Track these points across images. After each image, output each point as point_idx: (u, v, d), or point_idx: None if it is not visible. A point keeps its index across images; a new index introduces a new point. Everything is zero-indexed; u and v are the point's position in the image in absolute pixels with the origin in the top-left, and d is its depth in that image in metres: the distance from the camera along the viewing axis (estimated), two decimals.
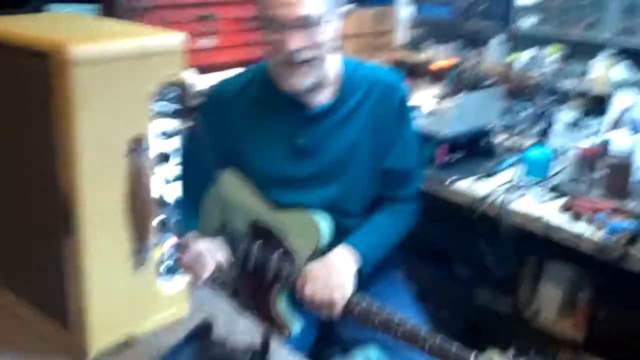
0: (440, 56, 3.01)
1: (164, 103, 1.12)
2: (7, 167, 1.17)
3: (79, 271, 1.07)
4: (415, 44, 3.16)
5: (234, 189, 1.65)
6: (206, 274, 1.48)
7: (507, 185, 1.97)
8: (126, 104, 1.06)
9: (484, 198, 1.94)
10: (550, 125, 2.22)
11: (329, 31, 1.53)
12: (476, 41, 2.96)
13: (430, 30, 3.16)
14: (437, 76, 3.08)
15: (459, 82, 2.84)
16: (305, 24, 1.48)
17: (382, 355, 1.04)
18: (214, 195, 1.70)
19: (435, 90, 2.89)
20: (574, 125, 2.18)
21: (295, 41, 1.48)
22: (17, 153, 1.14)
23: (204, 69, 2.45)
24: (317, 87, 1.60)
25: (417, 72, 3.25)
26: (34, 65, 1.02)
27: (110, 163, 1.06)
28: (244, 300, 1.39)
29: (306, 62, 1.52)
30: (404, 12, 3.17)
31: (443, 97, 2.84)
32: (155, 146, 1.12)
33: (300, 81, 1.54)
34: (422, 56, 3.11)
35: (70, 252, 1.07)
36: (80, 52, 0.98)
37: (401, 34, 3.27)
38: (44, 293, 1.17)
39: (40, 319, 1.19)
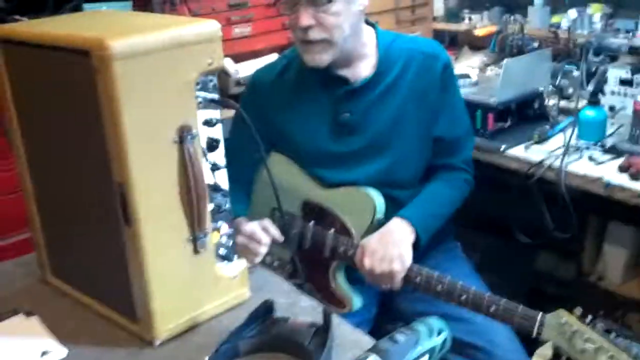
0: (479, 24, 2.96)
1: (207, 91, 1.13)
2: (64, 165, 1.20)
3: (140, 260, 1.08)
4: (453, 14, 3.11)
5: (282, 171, 1.66)
6: (263, 249, 1.50)
7: (562, 149, 1.92)
8: (170, 94, 1.07)
9: (540, 162, 1.89)
10: (602, 84, 2.14)
11: (345, 11, 1.51)
12: (515, 6, 2.89)
13: None
14: (479, 44, 3.02)
15: (503, 48, 2.78)
16: (315, 1, 1.49)
17: (444, 324, 1.03)
18: (263, 179, 1.71)
19: (479, 58, 2.84)
20: (627, 82, 2.10)
21: (304, 19, 1.50)
22: (69, 149, 1.16)
23: (239, 57, 2.47)
24: (353, 61, 1.59)
25: (458, 42, 3.20)
26: (77, 63, 1.04)
27: (161, 152, 1.07)
28: (302, 280, 1.39)
29: (317, 41, 1.52)
30: None
31: (487, 64, 2.79)
32: (203, 133, 1.13)
33: (317, 58, 1.55)
34: (461, 26, 3.05)
35: (130, 242, 1.09)
36: (120, 46, 0.99)
37: (438, 5, 3.21)
38: (109, 287, 1.20)
39: (107, 311, 1.22)
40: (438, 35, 3.17)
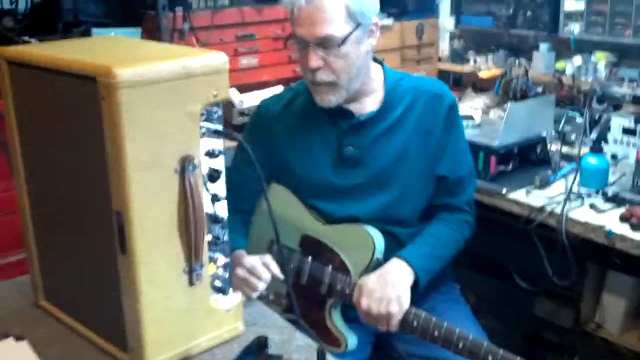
0: (484, 66, 2.99)
1: (211, 122, 1.13)
2: (63, 190, 1.19)
3: (135, 289, 1.07)
4: (458, 56, 3.15)
5: (283, 204, 1.65)
6: (262, 285, 1.49)
7: (564, 195, 1.92)
8: (174, 124, 1.06)
9: (542, 208, 1.89)
10: (605, 132, 2.15)
11: (354, 53, 1.53)
12: (521, 50, 2.92)
13: (474, 40, 3.14)
14: (482, 87, 3.05)
15: (507, 92, 2.80)
16: (325, 44, 1.50)
17: None
18: (262, 211, 1.70)
19: (482, 100, 2.85)
20: (630, 132, 2.11)
21: (313, 61, 1.51)
22: (69, 174, 1.16)
23: (244, 88, 2.49)
24: (359, 96, 1.61)
25: (462, 83, 3.23)
26: (82, 89, 1.04)
27: (162, 182, 1.06)
28: (298, 316, 1.37)
29: (325, 83, 1.54)
30: (447, 23, 3.15)
31: (491, 107, 2.80)
32: (205, 164, 1.13)
33: (325, 99, 1.57)
34: (466, 67, 3.09)
35: (125, 271, 1.08)
36: (127, 75, 0.99)
37: (444, 46, 3.25)
38: (102, 314, 1.18)
39: (98, 339, 1.20)
40: (443, 75, 3.21)
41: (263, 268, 1.51)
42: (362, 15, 1.52)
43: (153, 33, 2.30)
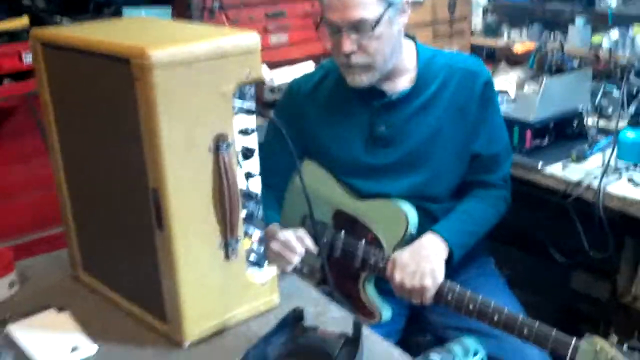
0: (518, 40, 2.94)
1: (243, 100, 1.15)
2: (99, 167, 1.23)
3: (172, 264, 1.10)
4: (491, 30, 3.10)
5: (316, 180, 1.67)
6: (296, 258, 1.51)
7: (601, 169, 1.89)
8: (208, 103, 1.09)
9: (579, 182, 1.87)
10: None
11: (387, 33, 1.52)
12: (555, 24, 2.87)
13: (507, 14, 3.09)
14: (516, 61, 3.00)
15: (541, 66, 2.76)
16: (359, 28, 1.49)
17: (480, 345, 1.00)
18: (295, 187, 1.72)
19: (516, 74, 2.81)
20: None
21: (347, 45, 1.50)
22: (107, 154, 1.19)
23: (274, 65, 2.49)
24: (391, 74, 1.60)
25: (495, 58, 3.18)
26: (117, 70, 1.06)
27: (197, 160, 1.09)
28: (332, 289, 1.40)
29: (359, 66, 1.53)
30: None
31: (525, 81, 2.76)
32: (239, 142, 1.15)
33: (358, 79, 1.56)
34: (499, 41, 3.04)
35: (162, 247, 1.11)
36: (160, 56, 1.01)
37: (477, 20, 3.21)
38: (140, 287, 1.22)
39: (137, 310, 1.24)
40: (476, 50, 3.17)
41: (297, 241, 1.53)
42: None
43: (183, 11, 2.32)
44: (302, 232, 1.56)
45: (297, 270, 1.58)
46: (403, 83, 1.62)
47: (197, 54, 1.06)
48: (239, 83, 1.12)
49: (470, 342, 0.84)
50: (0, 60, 2.12)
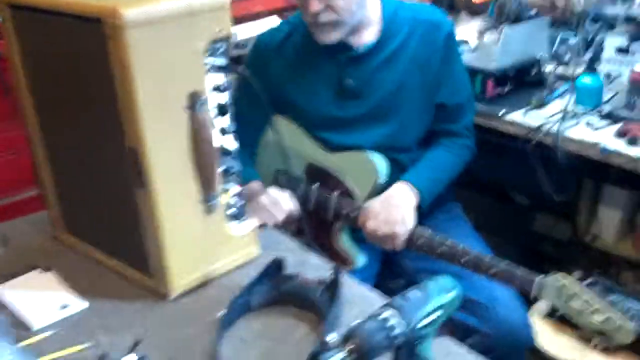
0: None
1: (214, 58, 1.16)
2: (75, 128, 1.24)
3: (154, 220, 1.14)
4: None
5: (287, 135, 1.69)
6: (281, 217, 1.56)
7: (560, 114, 1.96)
8: (180, 61, 1.10)
9: (539, 127, 1.94)
10: (599, 52, 2.17)
11: None
12: None
13: None
14: (476, 11, 3.03)
15: (501, 14, 2.80)
16: None
17: (454, 282, 1.05)
18: (267, 142, 1.75)
19: (476, 24, 2.85)
20: (624, 50, 2.13)
21: (314, 5, 1.52)
22: (82, 115, 1.21)
23: (238, 20, 2.47)
24: (356, 30, 1.62)
25: (455, 8, 3.20)
26: (88, 30, 1.07)
27: (173, 117, 1.11)
28: (308, 239, 1.45)
29: (328, 23, 1.56)
30: None
31: (485, 30, 2.81)
32: (212, 99, 1.17)
33: (327, 36, 1.59)
34: None
35: (143, 204, 1.14)
36: (132, 15, 1.02)
37: None
38: (123, 243, 1.25)
39: (121, 266, 1.28)
40: (436, 0, 3.19)
41: (284, 202, 1.59)
42: None
43: None
44: (288, 194, 1.62)
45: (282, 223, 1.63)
46: (368, 36, 1.65)
47: (168, 12, 1.07)
48: (210, 40, 1.13)
49: (446, 280, 0.89)
50: None
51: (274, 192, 1.61)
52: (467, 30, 2.70)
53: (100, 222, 1.30)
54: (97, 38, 1.05)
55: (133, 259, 1.24)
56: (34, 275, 1.28)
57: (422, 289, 0.91)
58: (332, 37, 1.59)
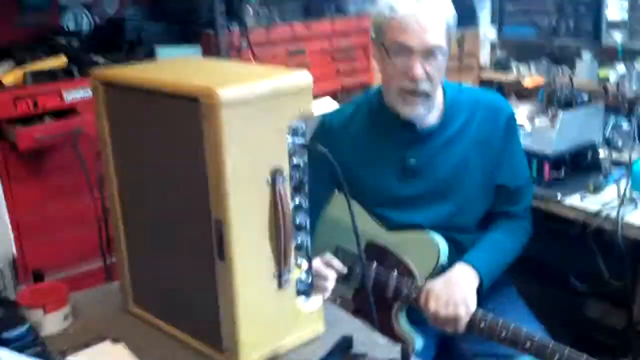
0: (527, 75, 3.03)
1: (296, 136, 1.21)
2: (158, 200, 1.28)
3: (232, 294, 1.15)
4: (500, 64, 3.20)
5: (346, 212, 1.71)
6: (330, 284, 1.57)
7: (617, 199, 1.97)
8: (266, 138, 1.15)
9: (598, 213, 1.94)
10: None
11: (443, 64, 1.60)
12: (563, 59, 2.97)
13: (515, 49, 3.19)
14: (524, 95, 3.09)
15: (550, 99, 2.85)
16: (432, 53, 1.56)
17: None
18: (327, 218, 1.78)
19: (526, 108, 2.90)
20: None
21: (419, 69, 1.56)
22: (167, 188, 1.25)
23: None
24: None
25: (504, 92, 3.27)
26: (183, 109, 1.13)
27: (256, 192, 1.15)
28: (369, 318, 1.44)
29: (423, 93, 1.60)
30: (489, 33, 3.21)
31: (535, 115, 2.85)
32: (291, 176, 1.21)
33: (416, 109, 1.62)
34: (509, 76, 3.14)
35: (222, 276, 1.16)
36: (227, 95, 1.07)
37: (486, 55, 3.31)
38: (195, 317, 1.26)
39: (192, 340, 1.28)
40: (485, 84, 3.26)
41: (326, 268, 1.59)
42: (452, 30, 1.61)
43: (211, 50, 2.41)
44: (328, 257, 1.62)
45: (330, 301, 1.63)
46: (432, 117, 1.69)
47: (258, 92, 1.12)
48: (293, 119, 1.18)
49: None
50: (41, 99, 2.17)
51: (314, 263, 1.59)
52: (517, 114, 2.74)
53: (173, 296, 1.31)
54: (192, 116, 1.10)
55: (204, 333, 1.24)
56: (105, 346, 1.29)
57: None
58: (421, 110, 1.62)
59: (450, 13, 1.60)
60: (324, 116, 1.83)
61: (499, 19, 3.15)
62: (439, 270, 1.62)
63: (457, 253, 1.66)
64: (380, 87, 1.73)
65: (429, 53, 1.56)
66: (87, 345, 1.28)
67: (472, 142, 1.68)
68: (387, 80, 1.65)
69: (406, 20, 1.55)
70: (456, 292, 1.55)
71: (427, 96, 1.61)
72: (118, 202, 1.38)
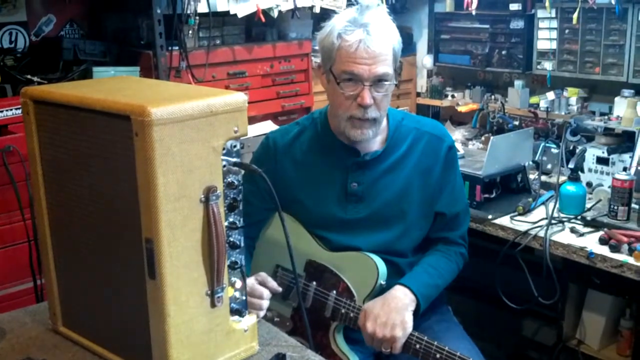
0: (462, 101, 3.14)
1: (230, 156, 1.22)
2: (87, 219, 1.26)
3: (162, 313, 1.13)
4: (436, 91, 3.29)
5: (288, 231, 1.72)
6: (265, 303, 1.54)
7: (545, 220, 2.04)
8: (200, 158, 1.15)
9: (526, 232, 2.01)
10: (581, 162, 2.30)
11: (390, 92, 1.64)
12: (496, 86, 3.09)
13: (450, 77, 3.30)
14: (459, 120, 3.19)
15: (484, 124, 2.96)
16: (382, 81, 1.60)
17: None
18: (267, 237, 1.78)
19: (460, 133, 3.00)
20: (604, 161, 2.26)
21: (368, 97, 1.59)
22: (97, 206, 1.23)
23: None
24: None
25: (439, 117, 3.37)
26: (115, 126, 1.12)
27: (188, 211, 1.14)
28: (305, 336, 1.45)
29: (372, 120, 1.63)
30: (426, 60, 3.30)
31: (469, 139, 2.95)
32: (225, 195, 1.21)
33: (364, 133, 1.64)
34: (444, 102, 3.23)
35: (152, 295, 1.14)
36: (160, 113, 1.07)
37: (422, 82, 3.40)
38: (125, 336, 1.24)
39: (120, 359, 1.26)
40: (421, 109, 3.36)
41: (260, 287, 1.57)
42: (398, 55, 1.64)
43: (150, 71, 2.39)
44: (263, 275, 1.60)
45: (268, 319, 1.63)
46: (375, 144, 1.72)
47: (191, 112, 1.13)
48: (227, 139, 1.19)
49: None
50: None
51: (247, 282, 1.58)
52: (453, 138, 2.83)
53: (103, 316, 1.29)
54: (123, 134, 1.10)
55: (135, 354, 1.22)
56: None
57: None
58: (369, 134, 1.64)
59: (396, 39, 1.64)
60: (268, 135, 1.84)
61: (435, 47, 3.25)
62: (378, 290, 1.64)
63: (395, 275, 1.68)
64: (326, 109, 1.76)
65: (377, 81, 1.59)
66: None
67: (413, 169, 1.72)
68: (335, 106, 1.67)
69: (355, 49, 1.57)
70: (394, 313, 1.57)
71: (374, 122, 1.64)
72: (47, 221, 1.35)
